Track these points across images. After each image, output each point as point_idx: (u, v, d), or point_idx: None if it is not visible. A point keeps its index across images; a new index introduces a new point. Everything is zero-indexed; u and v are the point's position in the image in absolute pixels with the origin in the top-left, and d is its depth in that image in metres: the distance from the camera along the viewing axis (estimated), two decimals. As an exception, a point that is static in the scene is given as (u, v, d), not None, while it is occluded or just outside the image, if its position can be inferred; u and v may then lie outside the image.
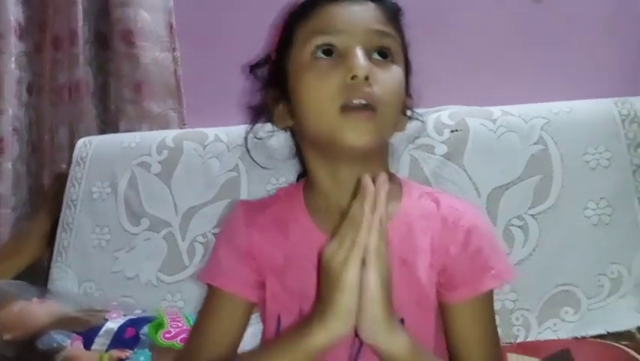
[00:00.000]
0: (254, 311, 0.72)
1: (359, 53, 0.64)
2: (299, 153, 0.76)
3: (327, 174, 0.69)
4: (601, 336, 0.91)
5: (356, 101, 0.63)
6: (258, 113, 0.79)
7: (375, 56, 0.66)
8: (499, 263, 0.67)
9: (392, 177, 0.75)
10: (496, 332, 0.69)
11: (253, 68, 0.77)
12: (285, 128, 0.75)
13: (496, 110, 1.07)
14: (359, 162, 0.66)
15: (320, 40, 0.66)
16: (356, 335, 0.59)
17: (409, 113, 0.74)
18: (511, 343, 0.92)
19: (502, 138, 1.03)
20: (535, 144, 1.02)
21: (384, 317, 0.57)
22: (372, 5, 0.69)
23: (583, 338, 0.92)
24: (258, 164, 0.98)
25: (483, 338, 0.67)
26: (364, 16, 0.68)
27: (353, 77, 0.63)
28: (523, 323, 0.94)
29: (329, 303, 0.57)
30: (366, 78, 0.63)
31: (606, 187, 0.98)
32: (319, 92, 0.65)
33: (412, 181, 0.80)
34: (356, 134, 0.63)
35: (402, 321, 0.65)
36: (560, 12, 1.20)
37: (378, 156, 0.70)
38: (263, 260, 0.71)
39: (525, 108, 1.06)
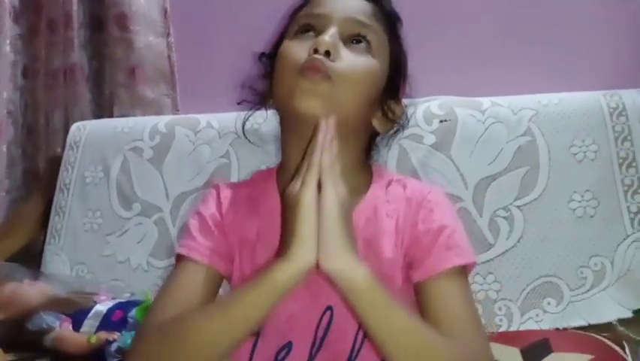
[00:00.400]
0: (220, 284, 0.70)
1: (330, 31, 0.66)
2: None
3: (297, 152, 0.68)
4: (582, 328, 0.93)
5: (313, 66, 0.65)
6: (257, 100, 0.81)
7: (352, 44, 0.68)
8: (463, 243, 0.68)
9: (364, 166, 0.76)
10: (474, 313, 0.66)
11: (261, 56, 0.79)
12: (268, 108, 0.78)
13: (485, 101, 1.07)
14: None
15: (302, 21, 0.68)
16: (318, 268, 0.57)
17: (390, 115, 0.74)
18: (493, 333, 0.93)
19: (490, 129, 1.04)
20: (522, 135, 1.02)
21: (342, 235, 0.56)
22: (364, 2, 0.71)
23: (564, 329, 0.93)
24: (249, 140, 0.99)
25: (455, 316, 0.63)
26: (349, 5, 0.70)
27: (315, 51, 0.65)
28: (505, 313, 0.95)
29: (290, 233, 0.57)
30: (328, 53, 0.66)
31: (592, 180, 0.99)
32: (286, 63, 0.68)
33: (386, 170, 0.81)
34: (307, 94, 0.65)
35: None
36: (550, 4, 1.20)
37: (347, 137, 0.69)
38: (233, 235, 0.71)
39: (514, 99, 1.06)
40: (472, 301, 0.67)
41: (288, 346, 0.66)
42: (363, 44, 0.69)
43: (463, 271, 0.67)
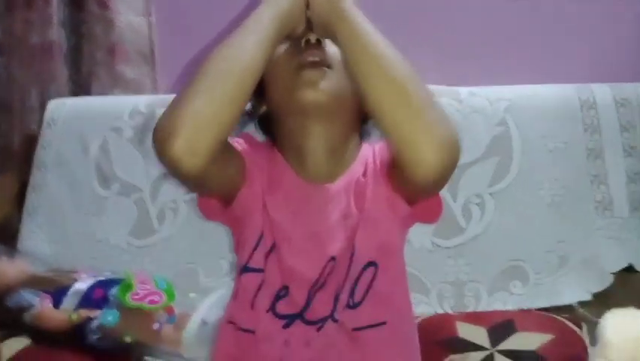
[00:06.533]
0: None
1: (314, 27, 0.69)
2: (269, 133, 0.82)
3: (301, 142, 0.74)
4: (545, 309, 0.98)
5: (310, 59, 0.70)
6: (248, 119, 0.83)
7: None
8: None
9: (355, 145, 0.79)
10: None
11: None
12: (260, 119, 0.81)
13: (463, 91, 1.10)
14: (326, 121, 0.72)
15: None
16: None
17: None
18: (461, 312, 0.98)
19: (467, 118, 1.07)
20: (498, 125, 1.06)
21: None
22: None
23: (529, 309, 0.98)
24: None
25: None
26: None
27: (307, 42, 0.70)
28: (474, 294, 1.00)
29: None
30: (319, 41, 0.70)
31: (561, 170, 1.03)
32: (278, 61, 0.71)
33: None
34: (310, 89, 0.69)
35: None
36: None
37: (345, 116, 0.75)
38: (257, 179, 0.74)
39: (490, 90, 1.10)
40: None
41: (286, 289, 0.71)
42: None
43: None
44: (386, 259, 0.71)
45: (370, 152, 0.77)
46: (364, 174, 0.74)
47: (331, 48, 0.71)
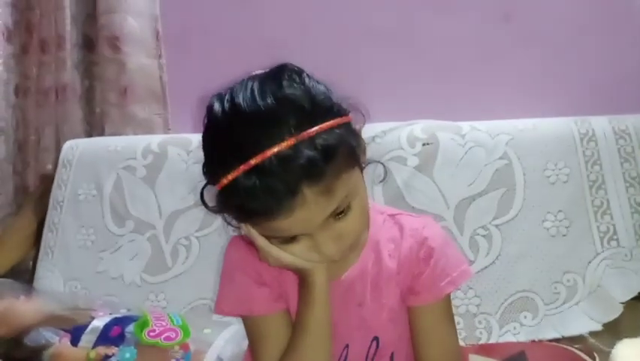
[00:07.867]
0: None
1: (324, 243, 0.63)
2: None
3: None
4: (556, 340, 0.99)
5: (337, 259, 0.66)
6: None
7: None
8: (455, 270, 0.74)
9: None
10: (455, 332, 0.76)
11: (205, 203, 0.69)
12: None
13: (465, 126, 1.13)
14: None
15: (279, 241, 0.65)
16: None
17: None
18: (473, 344, 0.99)
19: (469, 153, 1.10)
20: (500, 158, 1.09)
21: None
22: (308, 192, 0.58)
23: (540, 341, 0.99)
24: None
25: (443, 337, 0.74)
26: (311, 215, 0.60)
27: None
28: (485, 326, 1.01)
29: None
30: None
31: (564, 201, 1.05)
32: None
33: (375, 204, 0.81)
34: (345, 262, 0.71)
35: (376, 339, 0.74)
36: (525, 31, 1.27)
37: None
38: (276, 282, 0.74)
39: (492, 124, 1.13)
40: (453, 320, 0.76)
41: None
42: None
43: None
44: (392, 329, 0.75)
45: (382, 234, 0.75)
46: (377, 262, 0.73)
47: (347, 239, 0.65)
